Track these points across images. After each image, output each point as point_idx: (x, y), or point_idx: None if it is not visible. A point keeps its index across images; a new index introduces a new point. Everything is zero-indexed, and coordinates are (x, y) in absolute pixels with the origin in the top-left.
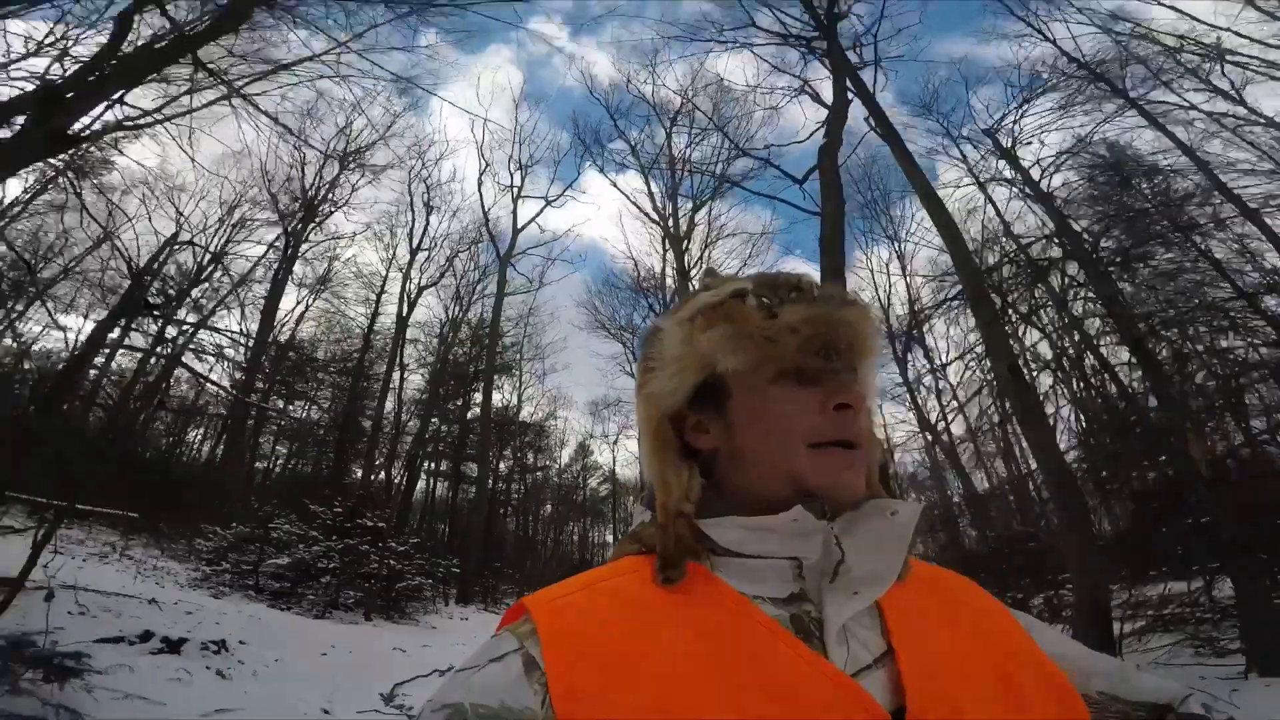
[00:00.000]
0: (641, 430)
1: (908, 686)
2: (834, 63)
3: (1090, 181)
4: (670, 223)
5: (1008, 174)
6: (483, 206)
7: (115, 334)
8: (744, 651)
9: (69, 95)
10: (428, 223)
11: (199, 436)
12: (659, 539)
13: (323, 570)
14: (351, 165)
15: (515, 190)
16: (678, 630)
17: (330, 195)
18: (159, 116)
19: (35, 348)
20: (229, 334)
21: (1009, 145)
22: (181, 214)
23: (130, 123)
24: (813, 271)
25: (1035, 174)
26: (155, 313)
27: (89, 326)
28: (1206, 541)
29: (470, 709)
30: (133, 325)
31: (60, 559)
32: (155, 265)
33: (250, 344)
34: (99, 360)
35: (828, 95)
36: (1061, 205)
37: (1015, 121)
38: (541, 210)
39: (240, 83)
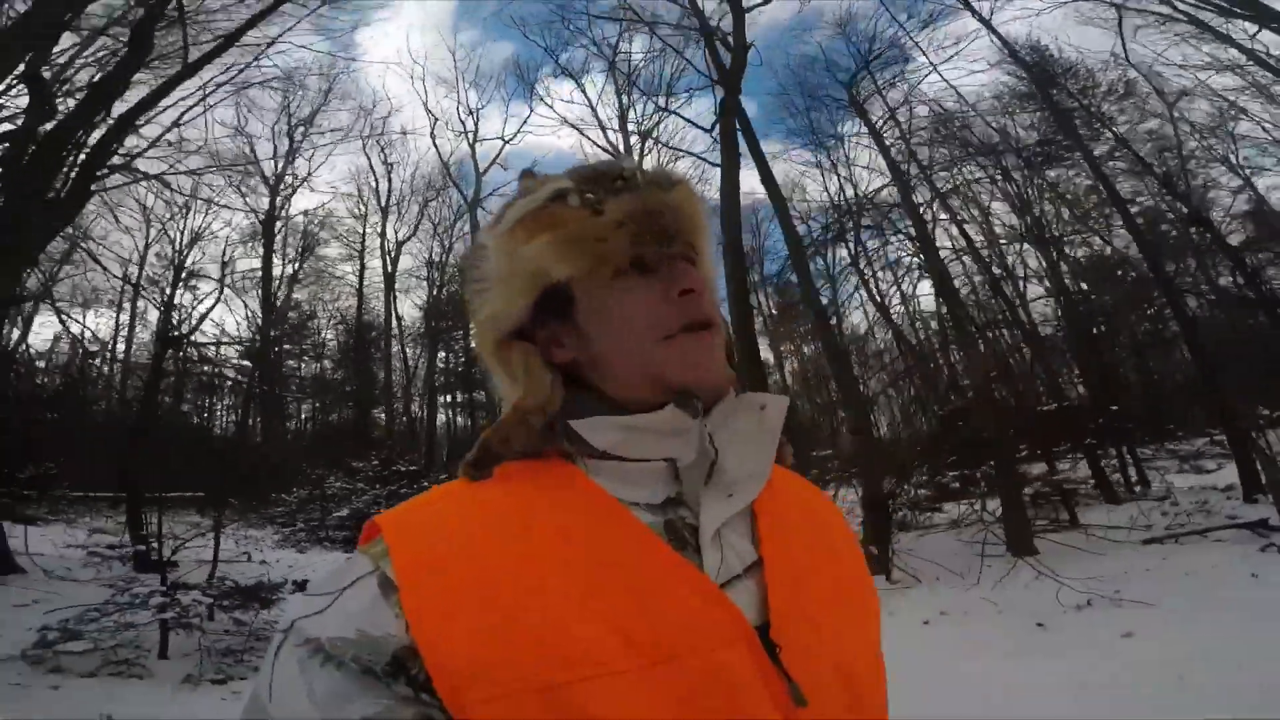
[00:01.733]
0: (485, 355)
1: (773, 600)
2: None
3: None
4: (622, 147)
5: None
6: (441, 159)
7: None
8: (610, 559)
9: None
10: (390, 182)
11: (224, 412)
12: (491, 434)
13: (376, 514)
14: (300, 140)
15: (470, 136)
16: (541, 537)
17: (291, 170)
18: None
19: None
20: (230, 340)
21: None
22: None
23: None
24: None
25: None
26: (184, 338)
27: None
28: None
29: (327, 643)
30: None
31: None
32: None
33: (255, 321)
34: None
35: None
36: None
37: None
38: (500, 151)
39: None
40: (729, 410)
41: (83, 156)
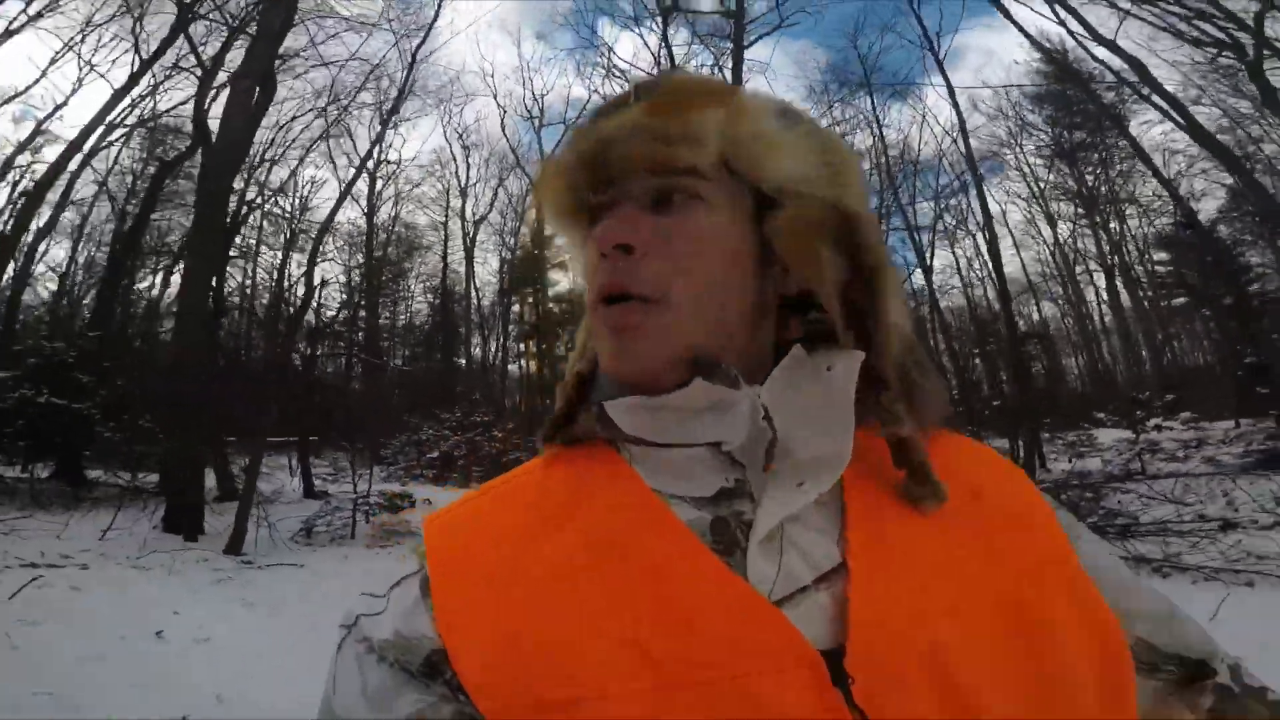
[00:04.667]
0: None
1: (853, 617)
2: None
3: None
4: None
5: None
6: (511, 148)
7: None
8: (638, 565)
9: None
10: (468, 163)
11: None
12: (558, 401)
13: (458, 457)
14: (392, 122)
15: (535, 122)
16: (570, 540)
17: (381, 152)
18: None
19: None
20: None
21: None
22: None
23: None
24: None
25: None
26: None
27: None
28: None
29: (377, 644)
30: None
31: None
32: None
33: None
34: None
35: None
36: None
37: None
38: (564, 134)
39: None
40: (788, 377)
41: None
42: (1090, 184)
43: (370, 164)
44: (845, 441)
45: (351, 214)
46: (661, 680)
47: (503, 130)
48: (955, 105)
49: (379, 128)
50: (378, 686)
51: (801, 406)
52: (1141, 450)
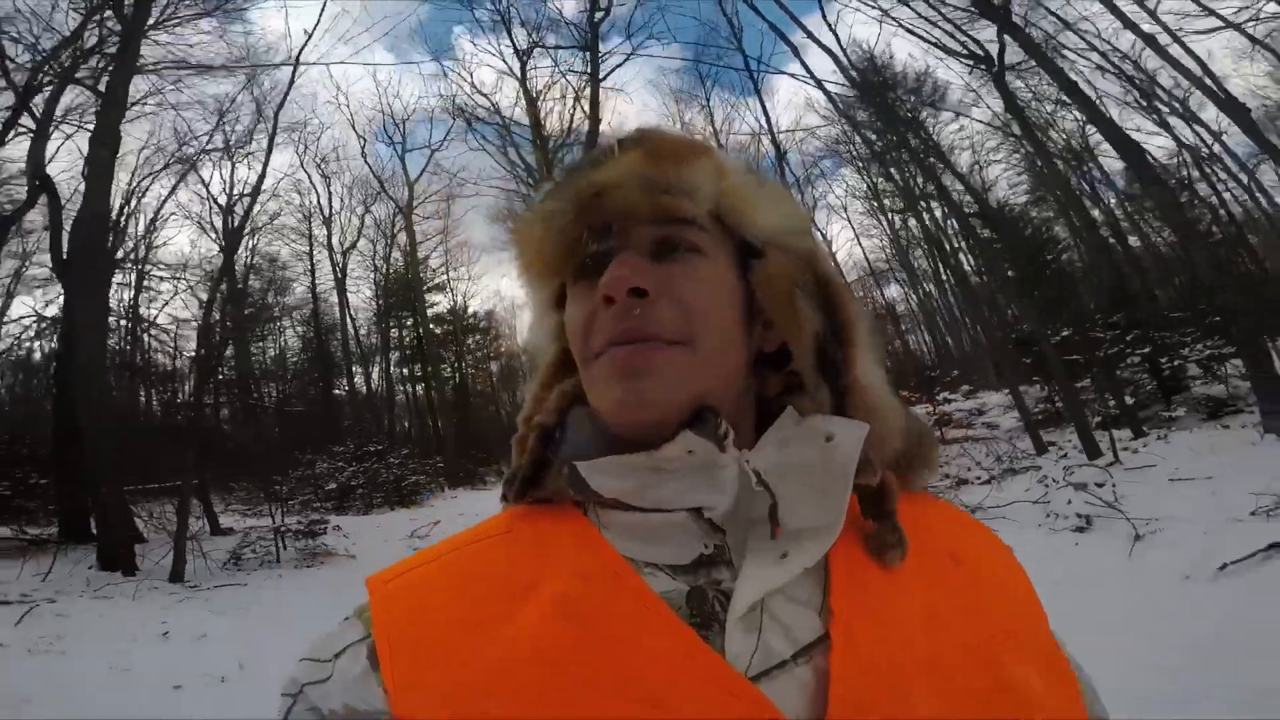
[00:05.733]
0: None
1: (834, 694)
2: None
3: None
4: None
5: None
6: (375, 175)
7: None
8: (609, 642)
9: None
10: (330, 191)
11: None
12: (515, 457)
13: (356, 486)
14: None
15: (398, 148)
16: (532, 616)
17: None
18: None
19: None
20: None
21: None
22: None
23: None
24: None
25: None
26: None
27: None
28: None
29: (328, 714)
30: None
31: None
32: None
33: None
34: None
35: None
36: None
37: None
38: (430, 160)
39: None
40: (783, 439)
41: None
42: (903, 179)
43: (223, 201)
44: (839, 514)
45: (205, 248)
46: None
47: (364, 158)
48: (774, 140)
49: (229, 166)
50: None
51: (794, 472)
52: (937, 420)
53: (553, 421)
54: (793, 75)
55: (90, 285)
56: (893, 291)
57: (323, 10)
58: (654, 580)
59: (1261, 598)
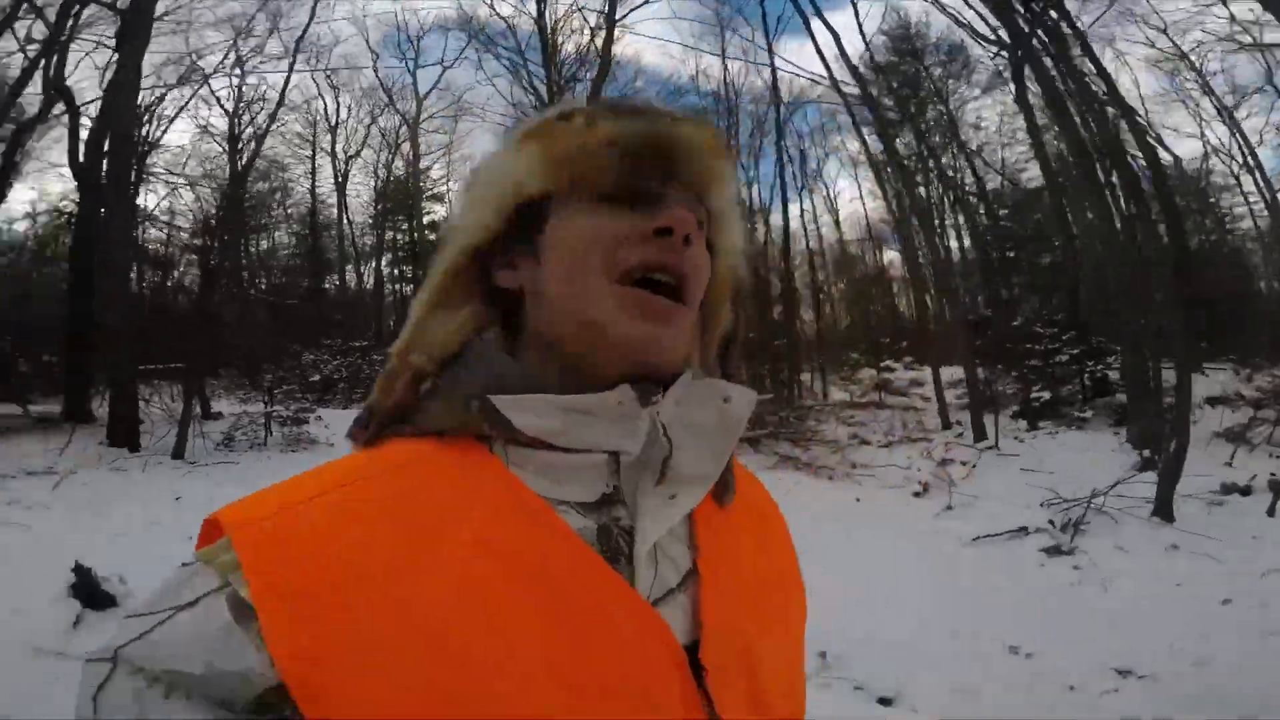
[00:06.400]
0: (435, 266)
1: (705, 619)
2: None
3: None
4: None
5: None
6: (385, 89)
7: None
8: (536, 575)
9: None
10: (338, 102)
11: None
12: (379, 393)
13: (339, 379)
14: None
15: (410, 64)
16: (455, 552)
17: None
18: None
19: None
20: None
21: None
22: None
23: None
24: None
25: None
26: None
27: None
28: None
29: (165, 677)
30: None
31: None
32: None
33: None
34: None
35: None
36: None
37: None
38: (440, 78)
39: None
40: (686, 397)
41: None
42: (918, 149)
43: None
44: (720, 465)
45: (209, 148)
46: (579, 702)
47: (374, 72)
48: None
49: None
50: None
51: (694, 427)
52: (878, 385)
53: (454, 350)
54: (812, 36)
55: (117, 193)
56: (893, 254)
57: None
58: (568, 517)
59: (996, 566)
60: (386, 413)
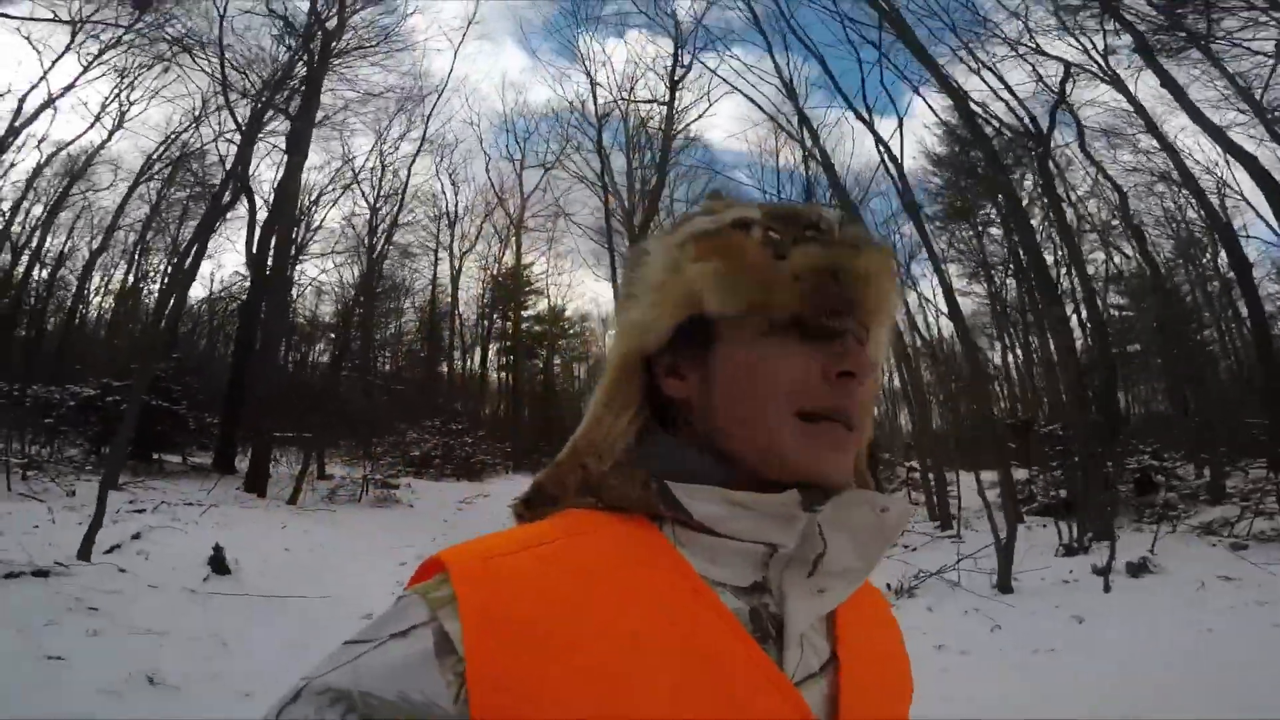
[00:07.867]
0: (609, 362)
1: (844, 703)
2: None
3: None
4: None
5: None
6: (494, 187)
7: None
8: (697, 648)
9: None
10: (456, 198)
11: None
12: (548, 477)
13: (434, 455)
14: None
15: (517, 165)
16: (627, 611)
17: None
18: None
19: None
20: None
21: None
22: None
23: None
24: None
25: None
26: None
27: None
28: None
29: (359, 698)
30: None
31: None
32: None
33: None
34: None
35: None
36: None
37: None
38: (544, 178)
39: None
40: (847, 502)
41: None
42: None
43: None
44: (873, 567)
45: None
46: None
47: (487, 173)
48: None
49: (380, 169)
50: None
51: (850, 531)
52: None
53: (624, 445)
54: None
55: (279, 282)
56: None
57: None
58: (723, 598)
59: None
60: (568, 489)
